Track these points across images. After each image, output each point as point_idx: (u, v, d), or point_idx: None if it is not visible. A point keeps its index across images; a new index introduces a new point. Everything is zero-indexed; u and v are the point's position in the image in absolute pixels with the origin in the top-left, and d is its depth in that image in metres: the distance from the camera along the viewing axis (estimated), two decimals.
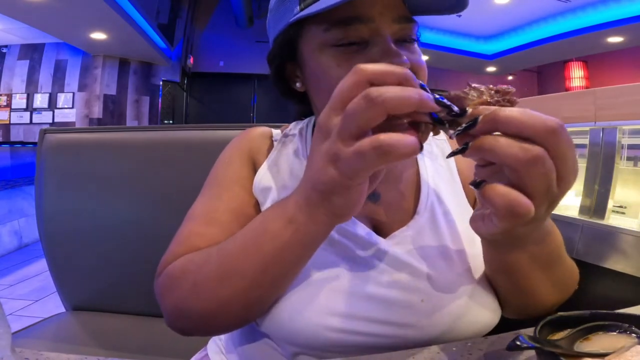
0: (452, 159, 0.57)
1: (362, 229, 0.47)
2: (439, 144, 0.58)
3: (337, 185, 0.32)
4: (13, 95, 6.18)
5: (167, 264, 0.45)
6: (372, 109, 0.29)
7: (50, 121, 6.16)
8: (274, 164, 0.53)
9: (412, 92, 0.29)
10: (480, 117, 0.30)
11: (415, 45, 0.46)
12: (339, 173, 0.31)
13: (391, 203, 0.50)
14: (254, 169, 0.54)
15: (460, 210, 0.51)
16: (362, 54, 0.42)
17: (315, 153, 0.33)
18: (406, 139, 0.29)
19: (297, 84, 0.51)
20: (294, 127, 0.58)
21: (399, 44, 0.44)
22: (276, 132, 0.58)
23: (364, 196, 0.34)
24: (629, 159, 2.01)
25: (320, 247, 0.42)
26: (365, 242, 0.46)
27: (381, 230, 0.48)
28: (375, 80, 0.30)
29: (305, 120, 0.58)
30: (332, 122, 0.32)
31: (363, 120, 0.29)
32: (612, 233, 1.55)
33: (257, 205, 0.52)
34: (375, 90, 0.29)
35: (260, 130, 0.59)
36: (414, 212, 0.49)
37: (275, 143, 0.56)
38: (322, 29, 0.43)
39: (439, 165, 0.55)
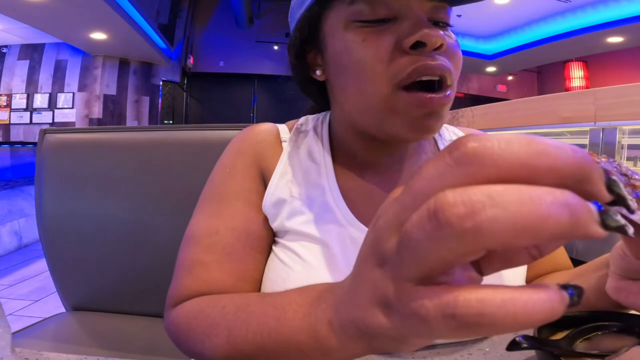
0: None
1: None
2: None
3: (386, 335, 0.20)
4: (13, 95, 6.18)
5: (177, 299, 0.43)
6: (447, 243, 0.15)
7: (50, 121, 6.16)
8: (285, 172, 0.47)
9: (555, 204, 0.14)
10: None
11: (450, 31, 0.42)
12: (391, 326, 0.20)
13: None
14: (262, 178, 0.48)
15: None
16: (391, 30, 0.38)
17: (361, 277, 0.22)
18: (531, 302, 0.15)
19: (317, 72, 0.46)
20: (305, 123, 0.52)
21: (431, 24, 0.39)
22: (283, 130, 0.52)
23: (423, 344, 0.21)
24: (629, 159, 2.01)
25: (341, 271, 0.40)
26: None
27: None
28: (499, 172, 0.15)
29: (320, 115, 0.53)
30: (388, 241, 0.19)
31: (428, 262, 0.16)
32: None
33: (265, 221, 0.46)
34: (463, 205, 0.14)
35: (264, 128, 0.51)
36: None
37: (284, 144, 0.50)
38: (347, 3, 0.40)
39: None
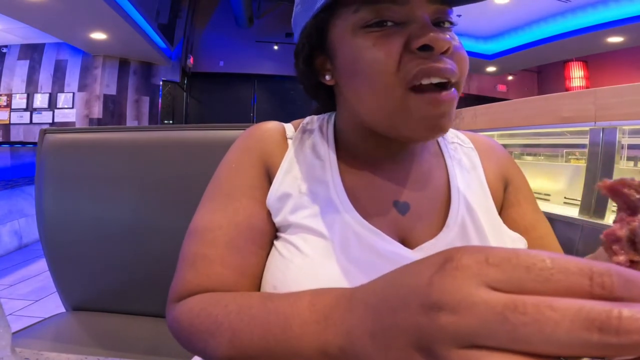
0: (480, 167, 0.52)
1: (389, 244, 0.43)
2: (466, 151, 0.54)
3: None
4: (13, 95, 6.18)
5: (180, 294, 0.43)
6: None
7: (50, 121, 6.16)
8: (291, 167, 0.48)
9: None
10: None
11: (452, 32, 0.42)
12: None
13: (421, 215, 0.47)
14: (267, 175, 0.48)
15: (494, 231, 0.48)
16: (398, 33, 0.39)
17: (400, 319, 0.21)
18: None
19: (327, 77, 0.47)
20: (311, 122, 0.53)
21: (436, 27, 0.40)
22: (289, 128, 0.52)
23: None
24: (629, 159, 2.01)
25: (341, 265, 0.41)
26: (392, 257, 0.42)
27: (409, 242, 0.45)
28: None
29: (325, 115, 0.54)
30: (443, 320, 0.18)
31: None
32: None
33: (268, 217, 0.47)
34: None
35: (271, 126, 0.52)
36: (443, 224, 0.46)
37: (289, 142, 0.51)
38: (352, 11, 0.41)
39: (467, 175, 0.51)
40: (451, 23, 0.42)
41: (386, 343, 0.22)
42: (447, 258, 0.20)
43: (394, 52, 0.39)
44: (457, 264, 0.19)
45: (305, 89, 0.52)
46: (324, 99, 0.53)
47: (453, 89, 0.40)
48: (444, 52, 0.39)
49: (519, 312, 0.16)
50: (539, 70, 8.76)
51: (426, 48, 0.38)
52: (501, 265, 0.18)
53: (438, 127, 0.41)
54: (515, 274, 0.18)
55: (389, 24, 0.40)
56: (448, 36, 0.39)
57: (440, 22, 0.41)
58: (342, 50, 0.43)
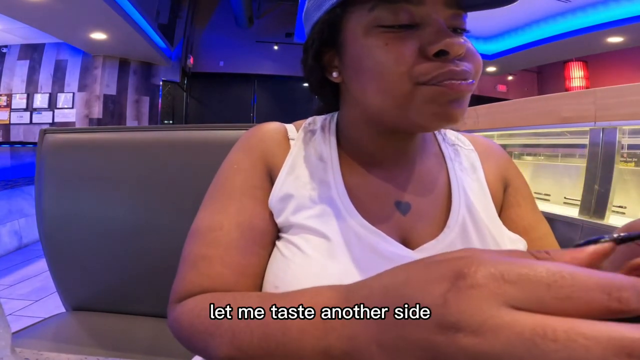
0: (480, 169, 0.53)
1: (390, 244, 0.43)
2: (467, 153, 0.54)
3: None
4: (13, 95, 6.18)
5: (181, 294, 0.43)
6: None
7: (50, 121, 6.16)
8: (293, 168, 0.48)
9: None
10: None
11: (465, 36, 0.42)
12: None
13: (422, 215, 0.47)
14: (268, 175, 0.49)
15: (494, 232, 0.48)
16: (412, 36, 0.39)
17: (410, 334, 0.21)
18: None
19: (334, 74, 0.47)
20: (313, 123, 0.53)
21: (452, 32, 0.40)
22: (291, 129, 0.53)
23: None
24: (629, 159, 2.01)
25: (342, 265, 0.41)
26: (393, 258, 0.42)
27: (410, 242, 0.45)
28: None
29: (327, 116, 0.54)
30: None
31: None
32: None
33: (270, 217, 0.47)
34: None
35: (272, 127, 0.52)
36: (444, 224, 0.46)
37: (291, 142, 0.51)
38: (367, 9, 0.40)
39: (467, 176, 0.51)
40: (465, 30, 0.42)
41: (397, 356, 0.21)
42: (458, 274, 0.20)
43: (407, 56, 0.39)
44: (472, 282, 0.19)
45: (311, 86, 0.52)
46: (328, 97, 0.53)
47: (471, 80, 0.40)
48: (458, 56, 0.39)
49: (549, 339, 0.16)
50: (539, 70, 8.75)
51: (442, 53, 0.38)
52: (519, 282, 0.18)
53: (449, 116, 0.40)
54: (535, 292, 0.18)
55: (404, 25, 0.39)
56: (463, 40, 0.39)
57: (455, 29, 0.41)
58: (353, 48, 0.43)
